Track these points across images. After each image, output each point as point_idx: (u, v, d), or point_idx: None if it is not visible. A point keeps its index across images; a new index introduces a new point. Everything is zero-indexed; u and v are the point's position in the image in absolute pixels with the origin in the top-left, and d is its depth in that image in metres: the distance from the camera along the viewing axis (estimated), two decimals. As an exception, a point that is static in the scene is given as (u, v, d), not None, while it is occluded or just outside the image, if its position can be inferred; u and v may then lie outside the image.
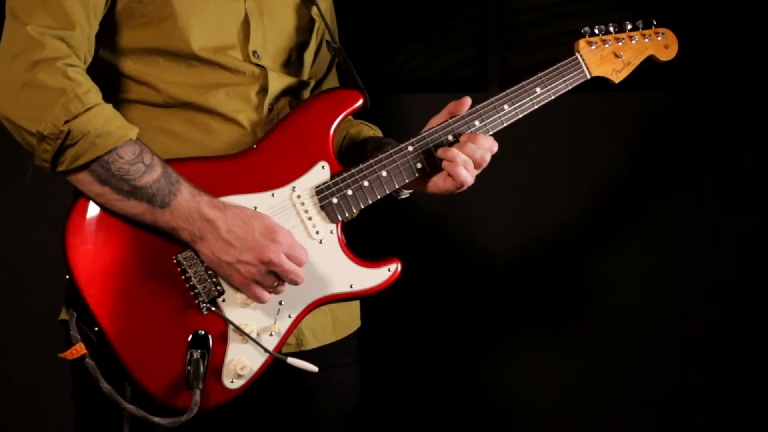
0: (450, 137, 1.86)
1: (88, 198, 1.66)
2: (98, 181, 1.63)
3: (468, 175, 1.82)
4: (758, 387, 3.02)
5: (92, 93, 1.62)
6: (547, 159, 3.02)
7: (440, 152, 1.84)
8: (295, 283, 1.71)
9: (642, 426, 3.06)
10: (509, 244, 3.06)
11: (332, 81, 2.13)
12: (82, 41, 1.66)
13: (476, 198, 2.94)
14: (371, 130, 2.06)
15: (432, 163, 1.85)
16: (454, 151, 1.81)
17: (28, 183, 1.81)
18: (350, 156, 1.96)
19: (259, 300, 1.71)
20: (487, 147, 1.83)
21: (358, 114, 1.95)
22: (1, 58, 1.63)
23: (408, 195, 1.97)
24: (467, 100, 1.88)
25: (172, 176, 1.66)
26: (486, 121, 1.88)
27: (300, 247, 1.72)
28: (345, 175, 1.80)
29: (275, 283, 1.70)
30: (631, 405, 3.05)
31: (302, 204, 1.77)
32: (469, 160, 1.81)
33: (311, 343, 1.91)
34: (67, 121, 1.57)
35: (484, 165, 1.84)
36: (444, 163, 1.82)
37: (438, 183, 1.87)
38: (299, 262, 1.71)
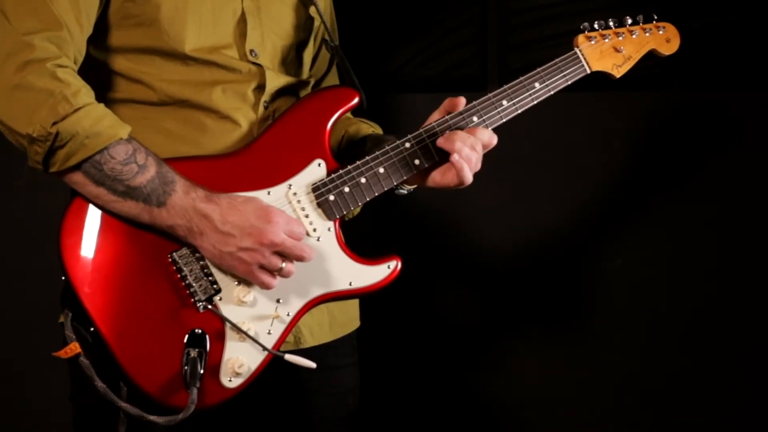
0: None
1: (88, 201, 1.66)
2: (93, 182, 1.63)
3: (469, 170, 1.80)
4: (759, 387, 3.01)
5: (82, 93, 1.61)
6: (547, 158, 3.02)
7: (440, 141, 1.82)
8: (301, 258, 1.70)
9: (642, 426, 3.05)
10: (510, 243, 3.06)
11: (332, 80, 2.12)
12: (70, 42, 1.66)
13: (477, 196, 2.93)
14: (370, 128, 2.05)
15: (430, 159, 1.84)
16: (458, 144, 1.78)
17: (21, 183, 1.81)
18: (350, 154, 1.94)
19: (266, 286, 1.70)
20: (485, 139, 1.82)
21: (356, 112, 1.95)
22: None
23: (407, 192, 1.94)
24: (462, 100, 1.86)
25: (167, 175, 1.66)
26: (484, 117, 1.86)
27: (297, 222, 1.72)
28: (341, 172, 1.79)
29: (280, 265, 1.69)
30: (631, 404, 3.05)
31: (299, 201, 1.77)
32: (469, 151, 1.78)
33: (309, 342, 1.90)
34: (54, 123, 1.57)
35: (477, 160, 1.81)
36: (453, 157, 1.78)
37: (435, 178, 1.85)
38: (299, 238, 1.70)
